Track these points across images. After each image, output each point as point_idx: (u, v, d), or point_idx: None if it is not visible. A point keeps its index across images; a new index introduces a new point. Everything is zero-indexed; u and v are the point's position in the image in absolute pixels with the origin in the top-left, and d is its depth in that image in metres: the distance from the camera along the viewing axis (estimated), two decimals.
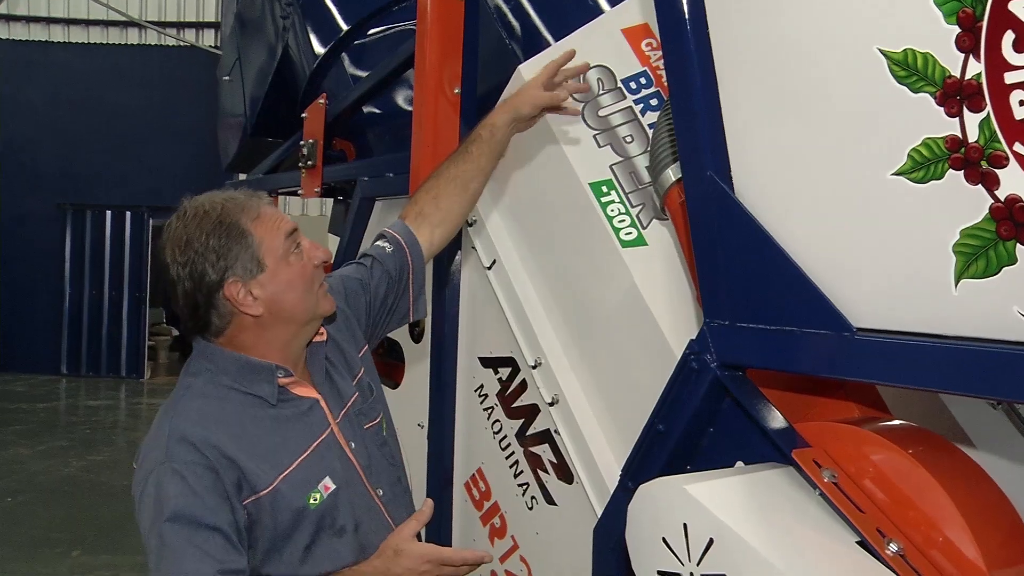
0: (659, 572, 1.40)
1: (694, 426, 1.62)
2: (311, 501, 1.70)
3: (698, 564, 1.34)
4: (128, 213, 13.67)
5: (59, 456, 8.21)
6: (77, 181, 13.73)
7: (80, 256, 13.82)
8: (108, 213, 13.72)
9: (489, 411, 2.48)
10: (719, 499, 1.36)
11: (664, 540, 1.39)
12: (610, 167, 2.26)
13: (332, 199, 3.75)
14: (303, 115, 3.23)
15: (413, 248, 2.13)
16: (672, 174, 1.87)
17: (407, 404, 2.75)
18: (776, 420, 1.50)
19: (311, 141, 3.16)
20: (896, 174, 1.23)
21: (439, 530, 2.60)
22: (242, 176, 4.23)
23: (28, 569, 5.40)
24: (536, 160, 2.41)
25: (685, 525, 1.36)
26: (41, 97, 13.83)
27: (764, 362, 1.49)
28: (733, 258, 1.49)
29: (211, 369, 1.73)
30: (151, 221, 13.37)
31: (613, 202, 2.21)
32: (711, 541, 1.32)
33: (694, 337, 1.62)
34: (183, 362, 1.84)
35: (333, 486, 1.74)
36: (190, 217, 1.72)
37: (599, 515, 2.08)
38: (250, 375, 1.73)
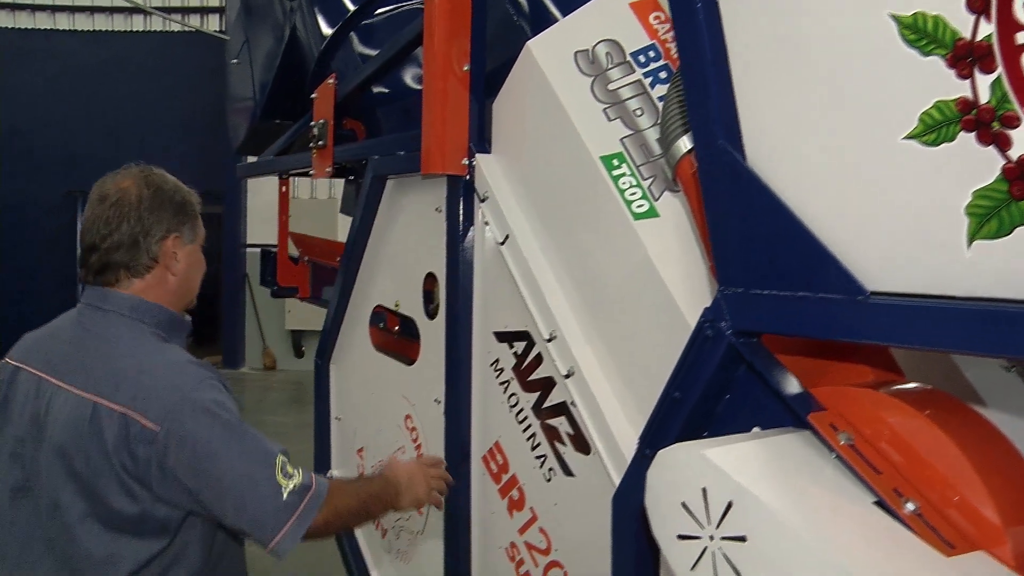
0: (679, 536, 1.42)
1: (710, 393, 1.64)
2: None
3: (717, 527, 1.36)
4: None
5: None
6: (83, 168, 13.65)
7: None
8: None
9: (505, 385, 2.50)
10: (737, 463, 1.38)
11: (683, 505, 1.41)
12: (620, 140, 2.27)
13: (343, 180, 3.77)
14: (312, 96, 3.24)
15: None
16: (683, 145, 1.88)
17: (423, 380, 2.77)
18: (791, 385, 1.52)
19: (321, 122, 3.17)
20: (907, 138, 1.24)
21: (457, 503, 2.63)
22: (252, 159, 4.25)
23: None
24: (547, 135, 2.42)
25: (704, 489, 1.38)
26: (46, 85, 13.85)
27: (778, 328, 1.50)
28: (746, 226, 1.51)
29: (138, 318, 1.99)
30: None
31: (624, 175, 2.22)
32: (730, 504, 1.34)
33: (708, 306, 1.64)
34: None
35: None
36: (160, 177, 2.09)
37: (617, 484, 2.11)
38: (175, 327, 2.06)
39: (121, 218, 1.98)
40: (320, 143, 3.18)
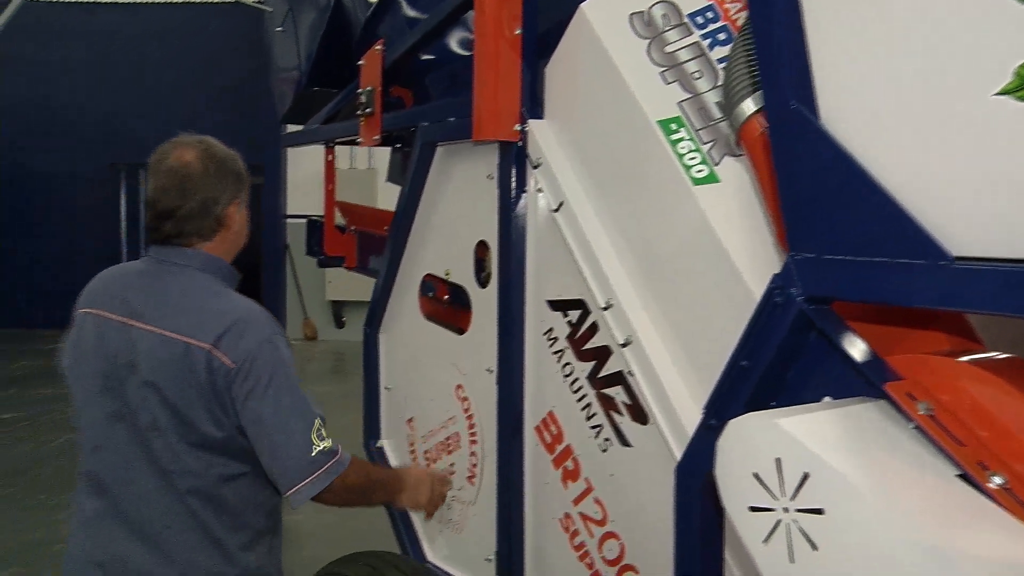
0: (751, 508, 1.39)
1: (779, 361, 1.60)
2: None
3: (792, 499, 1.32)
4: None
5: None
6: (125, 141, 13.87)
7: (135, 215, 14.01)
8: None
9: (559, 354, 2.47)
10: (813, 433, 1.34)
11: (756, 476, 1.37)
12: (678, 104, 2.22)
13: (388, 149, 3.74)
14: (359, 62, 3.20)
15: None
16: (748, 107, 1.83)
17: (475, 350, 2.75)
18: (865, 353, 1.47)
19: (369, 88, 3.14)
20: (1000, 93, 1.18)
21: (510, 473, 2.61)
22: (298, 127, 4.23)
23: None
24: (602, 100, 2.37)
25: (778, 460, 1.34)
26: (88, 58, 13.93)
27: (853, 294, 1.46)
28: (819, 189, 1.46)
29: (210, 272, 2.26)
30: None
31: (683, 139, 2.17)
32: (806, 476, 1.30)
33: (777, 272, 1.59)
34: None
35: None
36: (220, 148, 2.31)
37: (677, 455, 2.07)
38: (232, 277, 2.33)
39: (193, 190, 2.22)
40: (367, 110, 3.14)
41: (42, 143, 14.07)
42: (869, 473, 1.27)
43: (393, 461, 3.24)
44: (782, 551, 1.34)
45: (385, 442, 3.29)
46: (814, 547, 1.29)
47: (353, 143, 3.54)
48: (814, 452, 1.30)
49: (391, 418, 3.27)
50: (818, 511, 1.29)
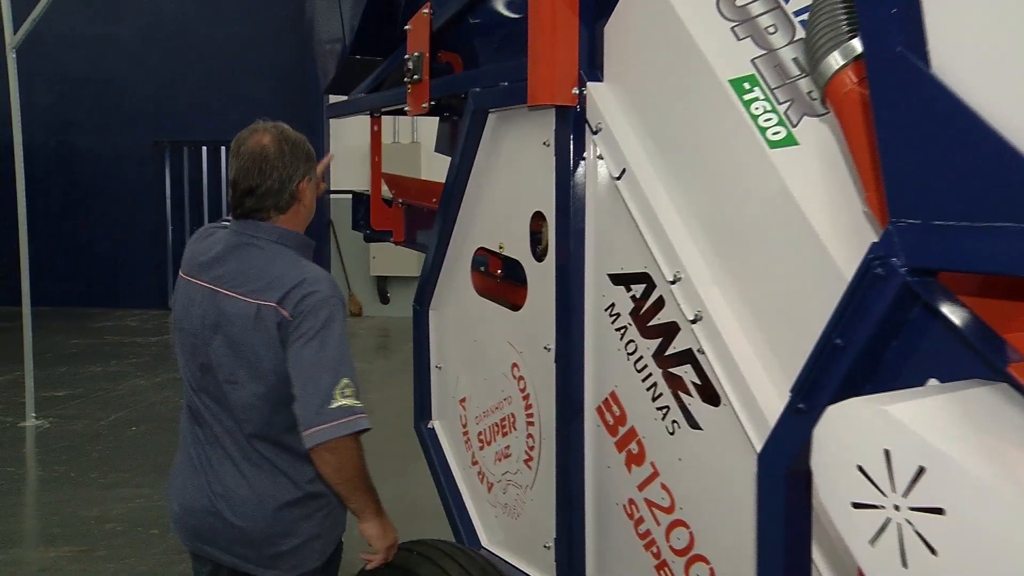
0: (854, 504, 1.24)
1: (878, 340, 1.44)
2: None
3: (904, 495, 1.18)
4: (224, 148, 13.76)
5: (175, 387, 8.40)
6: (172, 118, 13.89)
7: (180, 192, 14.04)
8: (204, 149, 13.85)
9: (622, 331, 2.34)
10: (928, 421, 1.19)
11: (860, 468, 1.23)
12: (752, 61, 2.06)
13: (435, 120, 3.60)
14: (406, 27, 3.06)
15: None
16: (835, 60, 1.67)
17: (531, 327, 2.62)
18: (982, 331, 1.31)
19: (416, 54, 2.99)
20: None
21: (570, 456, 2.48)
22: (342, 97, 4.10)
23: (157, 493, 5.53)
24: (667, 59, 2.21)
25: (887, 451, 1.19)
26: (134, 35, 13.94)
27: (968, 264, 1.29)
28: (929, 146, 1.29)
29: (285, 244, 2.54)
30: None
31: (757, 99, 2.01)
32: (921, 469, 1.16)
33: (872, 241, 1.43)
34: None
35: None
36: (291, 132, 2.57)
37: (754, 440, 1.93)
38: (307, 247, 2.63)
39: (271, 170, 2.49)
40: (415, 77, 3.00)
41: (89, 122, 14.13)
42: (997, 467, 1.12)
43: (446, 443, 3.13)
44: (893, 554, 1.19)
45: (437, 423, 3.18)
46: (933, 552, 1.14)
47: (400, 113, 3.40)
48: (930, 443, 1.15)
49: (442, 398, 3.16)
50: (937, 511, 1.14)
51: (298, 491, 2.55)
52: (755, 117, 1.99)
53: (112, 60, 13.94)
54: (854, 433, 1.24)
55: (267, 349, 2.44)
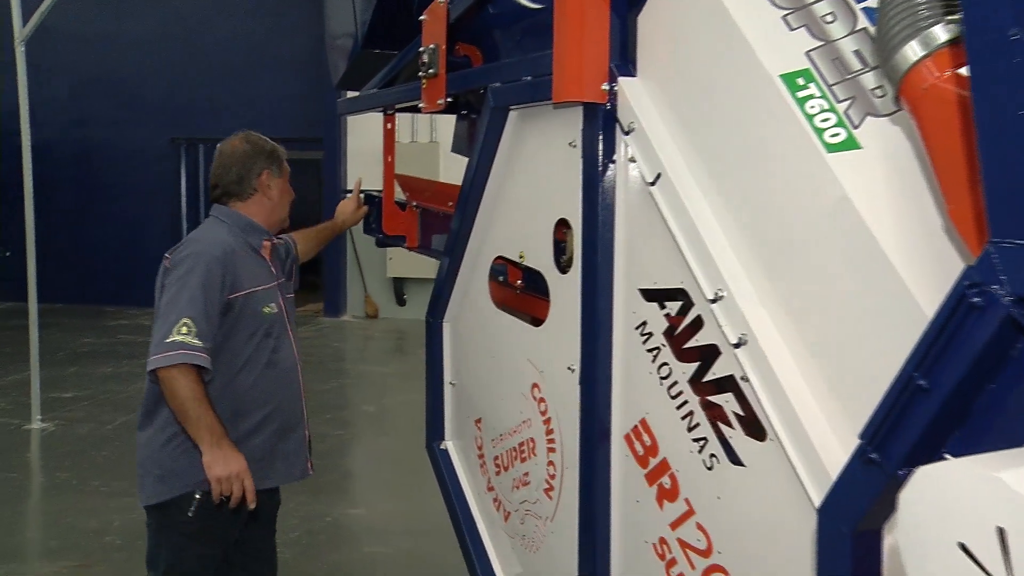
0: None
1: (971, 381, 1.22)
2: (265, 310, 2.98)
3: None
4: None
5: None
6: (187, 115, 13.78)
7: (195, 190, 13.90)
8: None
9: (654, 352, 2.11)
10: None
11: (964, 548, 1.00)
12: (806, 54, 1.83)
13: (454, 117, 3.38)
14: (421, 17, 2.84)
15: (295, 249, 3.47)
16: (913, 51, 1.44)
17: (554, 344, 2.40)
18: None
19: (432, 47, 2.78)
20: None
21: (594, 487, 2.26)
22: (353, 93, 3.89)
23: None
24: (708, 52, 1.99)
25: (1002, 531, 0.96)
26: (151, 33, 13.82)
27: None
28: None
29: (227, 223, 3.01)
30: None
31: (813, 97, 1.78)
32: None
33: (957, 259, 1.21)
34: None
35: (276, 309, 3.02)
36: (255, 136, 3.11)
37: (805, 481, 1.70)
38: (251, 231, 3.03)
39: (231, 165, 3.05)
40: (430, 71, 2.79)
41: (105, 119, 14.03)
42: None
43: (459, 465, 2.91)
44: None
45: (450, 443, 2.96)
46: None
47: (415, 110, 3.19)
48: None
49: (457, 417, 2.94)
50: None
51: (162, 426, 2.92)
52: (810, 117, 1.76)
53: (126, 56, 13.83)
54: (956, 504, 1.02)
55: (159, 294, 2.88)
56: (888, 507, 1.27)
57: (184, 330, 2.71)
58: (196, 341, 2.71)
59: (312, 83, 12.65)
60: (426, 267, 13.14)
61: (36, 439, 7.05)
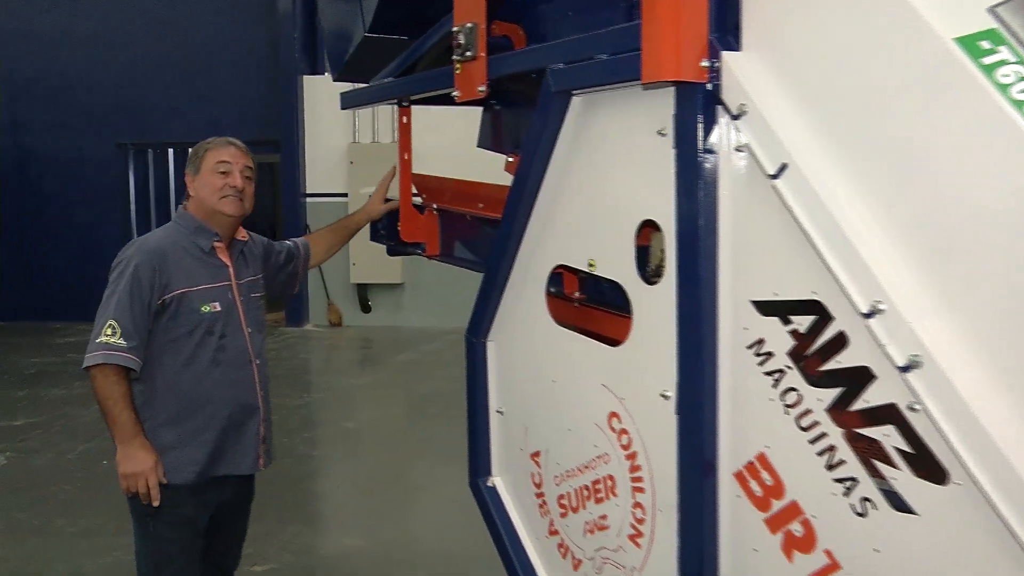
0: None
1: None
2: (204, 308, 3.09)
3: None
4: (190, 151, 13.08)
5: None
6: (134, 118, 13.23)
7: (145, 196, 13.35)
8: (170, 151, 13.14)
9: (776, 376, 1.78)
10: None
11: None
12: (991, 10, 1.51)
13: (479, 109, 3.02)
14: None
15: (306, 252, 3.71)
16: None
17: (639, 367, 2.06)
18: None
19: (468, 25, 2.41)
20: None
21: (701, 533, 1.92)
22: (359, 85, 3.50)
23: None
24: (848, 14, 1.66)
25: None
26: (92, 31, 13.23)
27: None
28: None
29: (179, 222, 3.21)
30: None
31: (1005, 62, 1.47)
32: None
33: None
34: None
35: (220, 308, 3.13)
36: (197, 145, 3.32)
37: (1019, 534, 1.38)
38: (199, 232, 3.17)
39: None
40: (467, 53, 2.42)
41: (46, 123, 13.42)
42: None
43: (511, 505, 2.55)
44: None
45: (498, 479, 2.60)
46: None
47: (434, 101, 2.82)
48: None
49: (505, 450, 2.58)
50: None
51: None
52: (1004, 88, 1.44)
53: (71, 58, 13.24)
54: None
55: None
56: None
57: (109, 331, 2.91)
58: (120, 341, 2.90)
59: (268, 83, 12.17)
60: (392, 272, 12.78)
61: None
